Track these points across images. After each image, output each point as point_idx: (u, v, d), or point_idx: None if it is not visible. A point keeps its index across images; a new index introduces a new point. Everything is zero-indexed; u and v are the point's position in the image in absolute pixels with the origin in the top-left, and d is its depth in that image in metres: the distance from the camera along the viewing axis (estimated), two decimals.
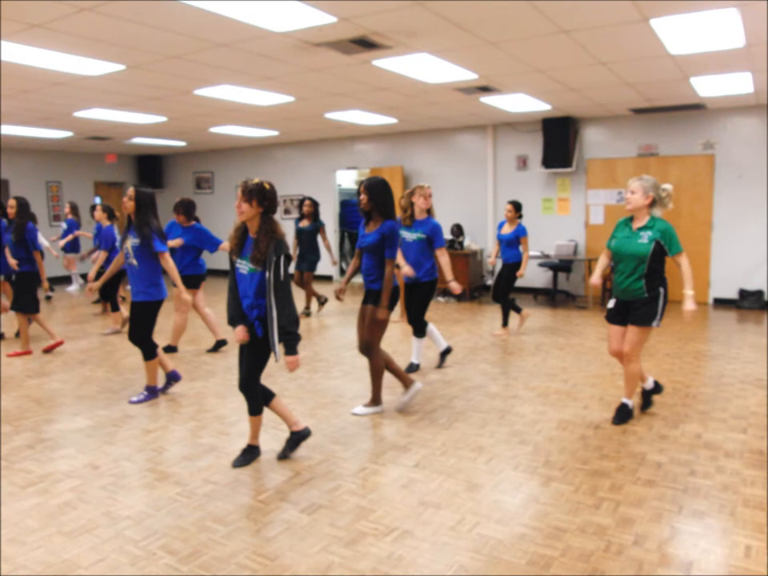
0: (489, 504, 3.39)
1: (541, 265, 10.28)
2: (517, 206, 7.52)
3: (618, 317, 4.47)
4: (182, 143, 12.78)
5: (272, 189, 3.63)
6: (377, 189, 4.49)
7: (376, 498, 3.45)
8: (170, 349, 6.90)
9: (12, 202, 6.68)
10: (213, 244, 6.69)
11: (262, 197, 3.56)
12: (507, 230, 7.55)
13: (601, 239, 10.07)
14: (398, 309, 8.23)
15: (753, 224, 9.13)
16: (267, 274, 3.56)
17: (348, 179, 13.55)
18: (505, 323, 7.72)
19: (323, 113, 9.31)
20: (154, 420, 4.78)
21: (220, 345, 7.00)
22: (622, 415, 4.59)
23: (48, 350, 6.98)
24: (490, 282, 10.65)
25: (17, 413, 4.98)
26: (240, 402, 5.11)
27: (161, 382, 5.50)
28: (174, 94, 7.60)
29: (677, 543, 2.97)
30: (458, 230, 10.66)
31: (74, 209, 10.89)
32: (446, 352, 6.24)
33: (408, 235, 5.66)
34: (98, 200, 13.86)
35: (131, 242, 4.99)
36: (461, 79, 7.04)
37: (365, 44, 5.47)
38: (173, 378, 5.44)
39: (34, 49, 5.52)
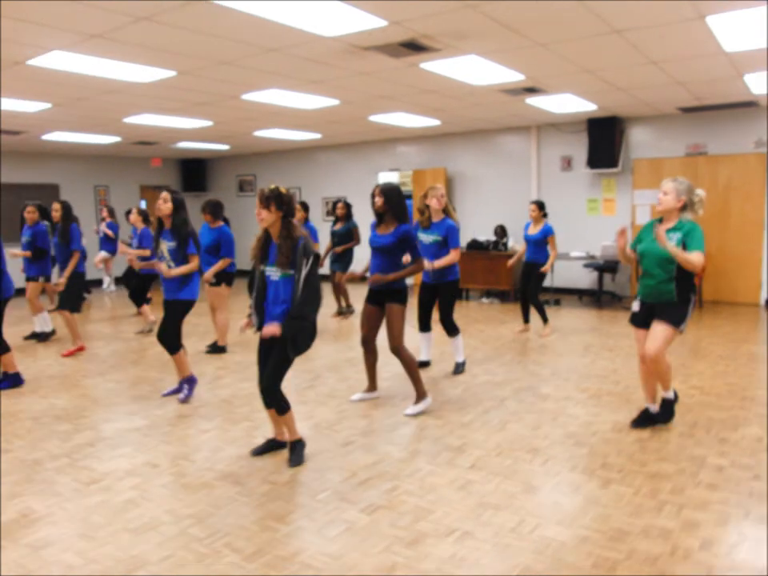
0: (548, 506, 3.37)
1: (586, 266, 10.15)
2: (540, 206, 7.58)
3: (644, 322, 4.30)
4: (225, 147, 12.98)
5: (288, 193, 3.74)
6: (392, 193, 4.70)
7: (434, 499, 3.45)
8: (220, 349, 7.02)
9: (57, 206, 6.85)
10: (229, 252, 6.69)
11: (280, 201, 3.66)
12: (534, 230, 7.56)
13: None
14: None
15: None
16: (297, 276, 3.67)
17: (390, 181, 13.57)
18: (545, 320, 7.70)
19: (367, 115, 9.36)
20: (209, 420, 4.86)
21: (219, 350, 7.09)
22: (667, 411, 4.46)
23: (68, 355, 7.02)
24: None
25: (75, 411, 5.12)
26: (293, 404, 5.18)
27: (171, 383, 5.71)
28: (221, 98, 7.73)
29: (747, 549, 2.91)
30: (501, 232, 10.59)
31: (111, 212, 11.29)
32: (423, 364, 6.14)
33: (425, 238, 5.69)
34: (143, 203, 14.19)
35: (167, 245, 5.08)
36: (507, 81, 7.00)
37: (414, 47, 5.49)
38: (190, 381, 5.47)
39: (90, 58, 5.67)
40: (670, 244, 3.95)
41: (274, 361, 3.80)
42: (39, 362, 6.78)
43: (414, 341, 6.24)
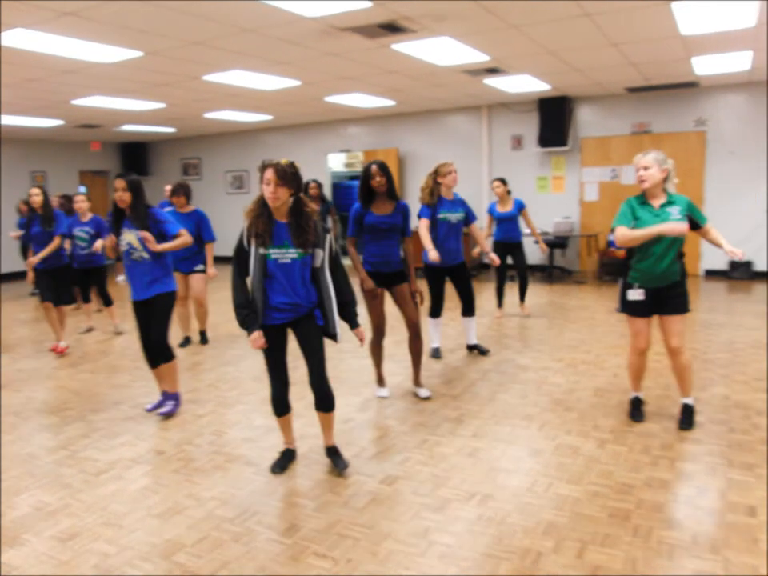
0: (555, 466, 3.58)
1: (537, 242, 10.47)
2: (504, 181, 7.39)
3: (647, 308, 4.04)
4: (171, 129, 12.64)
5: (298, 171, 3.41)
6: (389, 171, 4.55)
7: (447, 467, 3.61)
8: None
9: (37, 191, 6.31)
10: (211, 234, 6.46)
11: (294, 179, 3.33)
12: (505, 207, 7.33)
13: (595, 216, 10.34)
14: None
15: (742, 198, 9.47)
16: (324, 255, 3.42)
17: (338, 162, 13.55)
18: (523, 299, 7.65)
19: (324, 96, 9.32)
20: (201, 405, 4.85)
21: (202, 339, 6.79)
22: (689, 418, 4.11)
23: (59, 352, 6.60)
24: (486, 260, 10.79)
25: (58, 404, 5.01)
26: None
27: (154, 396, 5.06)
28: (182, 80, 7.55)
29: (736, 492, 3.20)
30: None
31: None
32: (436, 351, 5.95)
33: (452, 216, 5.44)
34: (82, 189, 13.65)
35: (135, 234, 4.41)
36: (472, 61, 7.15)
37: (391, 28, 5.55)
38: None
39: (55, 37, 5.45)
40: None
41: (320, 358, 3.51)
42: None
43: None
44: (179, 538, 2.99)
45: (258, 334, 3.37)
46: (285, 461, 3.74)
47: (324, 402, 3.57)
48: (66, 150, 13.63)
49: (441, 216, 5.41)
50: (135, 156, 14.57)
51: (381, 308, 4.69)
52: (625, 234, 3.87)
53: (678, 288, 4.00)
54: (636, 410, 4.31)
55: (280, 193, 3.27)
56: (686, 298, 4.05)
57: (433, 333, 5.94)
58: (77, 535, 3.05)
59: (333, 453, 3.70)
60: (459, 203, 5.57)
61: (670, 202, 3.91)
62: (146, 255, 4.46)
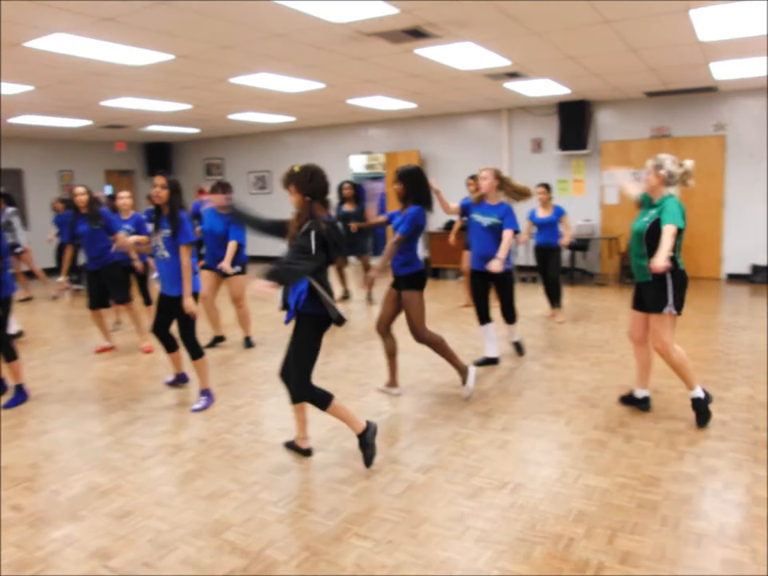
0: (583, 459, 3.71)
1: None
2: (548, 188, 7.50)
3: (636, 303, 4.33)
4: (195, 130, 12.86)
5: (305, 173, 3.48)
6: (408, 176, 4.60)
7: (479, 458, 3.75)
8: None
9: (82, 189, 6.20)
10: (235, 233, 6.22)
11: (297, 181, 3.48)
12: (545, 213, 7.42)
13: (615, 218, 10.43)
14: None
15: (763, 201, 9.53)
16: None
17: (360, 164, 13.70)
18: (559, 305, 7.50)
19: (347, 99, 9.49)
20: (237, 397, 5.03)
21: (250, 343, 6.71)
22: (702, 409, 4.19)
23: (99, 352, 6.65)
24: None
25: (99, 393, 5.22)
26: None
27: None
28: (210, 82, 7.74)
29: (761, 487, 3.30)
30: None
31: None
32: (491, 361, 5.68)
33: (482, 219, 5.34)
34: (108, 188, 13.93)
35: (162, 233, 4.68)
36: (493, 66, 7.28)
37: (416, 34, 5.69)
38: (182, 380, 5.33)
39: (90, 40, 5.64)
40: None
41: (293, 352, 3.65)
42: (38, 349, 6.76)
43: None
44: (227, 518, 3.16)
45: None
46: (290, 446, 4.00)
47: (297, 398, 3.78)
48: (92, 149, 13.92)
49: (472, 216, 5.43)
50: (159, 156, 14.83)
51: (384, 307, 4.81)
52: None
53: (649, 287, 4.12)
54: (624, 397, 4.60)
55: (292, 198, 3.54)
56: (659, 299, 4.07)
57: (485, 341, 5.70)
58: (130, 513, 3.22)
59: (360, 443, 3.69)
60: (496, 209, 5.31)
61: (656, 205, 4.04)
62: (166, 254, 4.72)
